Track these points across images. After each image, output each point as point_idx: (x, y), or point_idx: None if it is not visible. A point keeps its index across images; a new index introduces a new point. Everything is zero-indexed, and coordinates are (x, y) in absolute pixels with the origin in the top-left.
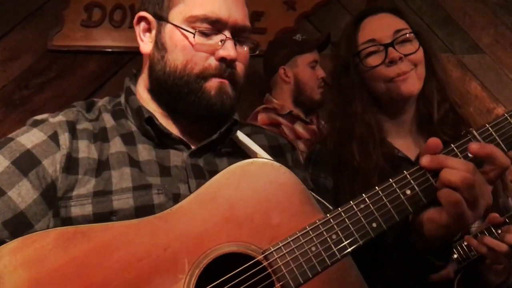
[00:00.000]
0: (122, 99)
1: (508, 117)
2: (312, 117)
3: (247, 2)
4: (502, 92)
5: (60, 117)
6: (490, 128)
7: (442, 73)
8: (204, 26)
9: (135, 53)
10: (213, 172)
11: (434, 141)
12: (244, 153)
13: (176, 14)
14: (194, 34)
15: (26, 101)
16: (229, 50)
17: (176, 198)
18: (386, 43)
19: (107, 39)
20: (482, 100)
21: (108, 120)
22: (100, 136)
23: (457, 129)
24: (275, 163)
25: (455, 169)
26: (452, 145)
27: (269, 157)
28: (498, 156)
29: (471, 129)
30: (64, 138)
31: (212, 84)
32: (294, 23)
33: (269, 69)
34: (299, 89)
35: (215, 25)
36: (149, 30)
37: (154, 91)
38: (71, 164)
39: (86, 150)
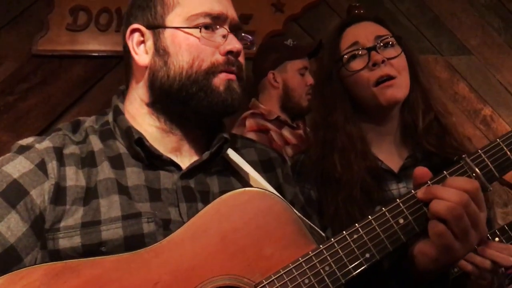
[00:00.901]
0: (110, 117)
1: (501, 143)
2: (298, 122)
3: (235, 5)
4: (489, 93)
5: (47, 143)
6: (482, 154)
7: (427, 82)
8: (207, 21)
9: (122, 57)
10: (205, 193)
11: (422, 170)
12: (235, 172)
13: (175, 17)
14: (200, 29)
15: (10, 107)
16: (234, 43)
17: (167, 224)
18: (368, 47)
19: (93, 43)
20: (470, 101)
21: (95, 143)
22: (88, 161)
23: (441, 139)
24: (267, 192)
25: (444, 200)
26: (445, 172)
27: (261, 179)
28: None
29: (464, 155)
30: (52, 166)
31: (221, 80)
32: (283, 25)
33: (258, 73)
34: (287, 95)
35: (216, 21)
36: (143, 41)
37: (156, 102)
38: (59, 194)
39: (74, 177)
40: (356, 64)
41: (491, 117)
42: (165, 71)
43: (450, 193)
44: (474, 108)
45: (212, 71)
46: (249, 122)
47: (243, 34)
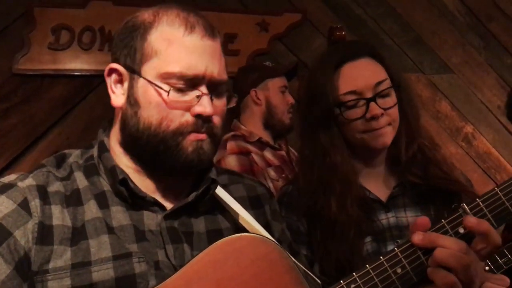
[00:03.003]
0: (95, 152)
1: (499, 192)
2: (280, 142)
3: (220, 24)
4: (470, 111)
5: (29, 181)
6: (481, 203)
7: (412, 117)
8: (180, 83)
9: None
10: (188, 233)
11: (423, 220)
12: (224, 210)
13: (150, 69)
14: (169, 92)
15: None
16: (205, 106)
17: (157, 264)
18: (368, 98)
19: (75, 62)
20: (451, 119)
21: (80, 180)
22: (73, 200)
23: (426, 170)
24: (264, 238)
25: (449, 249)
26: (443, 220)
27: (250, 218)
28: (492, 234)
29: (462, 204)
30: (35, 204)
31: (189, 141)
32: (267, 44)
33: (239, 93)
34: (270, 112)
35: (191, 81)
36: (121, 81)
37: (128, 146)
38: (44, 233)
39: (60, 216)
40: (353, 113)
41: (472, 135)
42: (135, 121)
43: (451, 242)
44: (456, 126)
45: (181, 131)
46: (230, 145)
47: (225, 89)
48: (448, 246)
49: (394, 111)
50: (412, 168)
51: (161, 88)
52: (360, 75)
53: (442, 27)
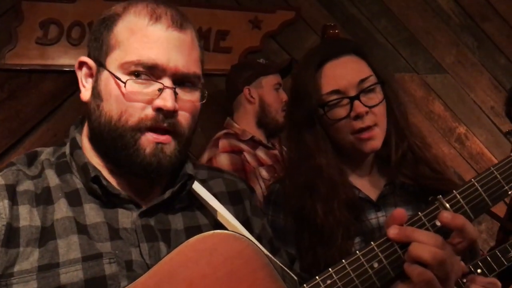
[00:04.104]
0: (67, 149)
1: (476, 183)
2: (273, 141)
3: (212, 21)
4: (463, 112)
5: None
6: (457, 195)
7: (401, 116)
8: (139, 71)
9: None
10: (165, 231)
11: (399, 213)
12: (202, 206)
13: (112, 61)
14: (125, 83)
15: None
16: (166, 100)
17: (129, 265)
18: (351, 96)
19: (64, 58)
20: (445, 119)
21: (51, 178)
22: (43, 198)
23: (416, 170)
24: (237, 235)
25: (425, 244)
26: (420, 213)
27: (228, 214)
28: (468, 228)
29: (439, 196)
30: (3, 205)
31: (148, 141)
32: (260, 42)
33: (232, 90)
34: (263, 110)
35: (152, 72)
36: (91, 75)
37: (94, 142)
38: (11, 235)
39: (27, 217)
40: (338, 113)
41: (465, 135)
42: (97, 115)
43: (428, 236)
44: (449, 126)
45: (140, 127)
46: (222, 143)
47: (197, 84)
48: (423, 241)
49: (380, 110)
50: (402, 168)
51: (120, 79)
52: (343, 73)
53: (436, 27)
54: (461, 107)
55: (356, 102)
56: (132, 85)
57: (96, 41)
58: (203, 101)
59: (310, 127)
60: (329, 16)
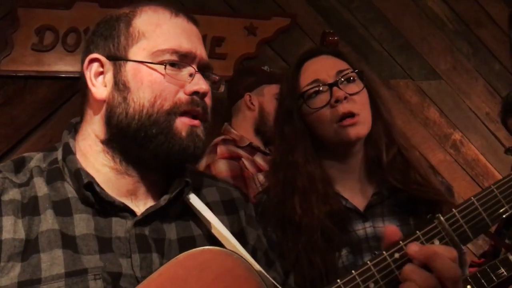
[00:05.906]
0: (59, 155)
1: (475, 201)
2: (271, 147)
3: (207, 27)
4: (459, 118)
5: None
6: (457, 214)
7: (388, 115)
8: (173, 59)
9: None
10: (160, 241)
11: (391, 230)
12: (195, 216)
13: (139, 51)
14: (166, 66)
15: None
16: (200, 84)
17: (117, 279)
18: (330, 83)
19: (59, 64)
20: (440, 125)
21: (40, 187)
22: (30, 209)
23: (406, 174)
24: (228, 251)
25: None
26: (418, 232)
27: (222, 226)
28: (439, 264)
29: (438, 215)
30: None
31: (183, 124)
32: (255, 48)
33: (233, 95)
34: (262, 119)
35: (184, 59)
36: (102, 73)
37: (113, 140)
38: None
39: (11, 229)
40: (318, 101)
41: (460, 142)
42: (123, 107)
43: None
44: (444, 132)
45: (174, 111)
46: (220, 149)
47: (211, 74)
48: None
49: (361, 98)
50: (393, 171)
51: (154, 65)
52: (321, 66)
53: (431, 33)
54: (456, 113)
55: (335, 88)
56: (166, 71)
57: (108, 38)
58: (221, 91)
59: (289, 121)
60: (325, 23)
